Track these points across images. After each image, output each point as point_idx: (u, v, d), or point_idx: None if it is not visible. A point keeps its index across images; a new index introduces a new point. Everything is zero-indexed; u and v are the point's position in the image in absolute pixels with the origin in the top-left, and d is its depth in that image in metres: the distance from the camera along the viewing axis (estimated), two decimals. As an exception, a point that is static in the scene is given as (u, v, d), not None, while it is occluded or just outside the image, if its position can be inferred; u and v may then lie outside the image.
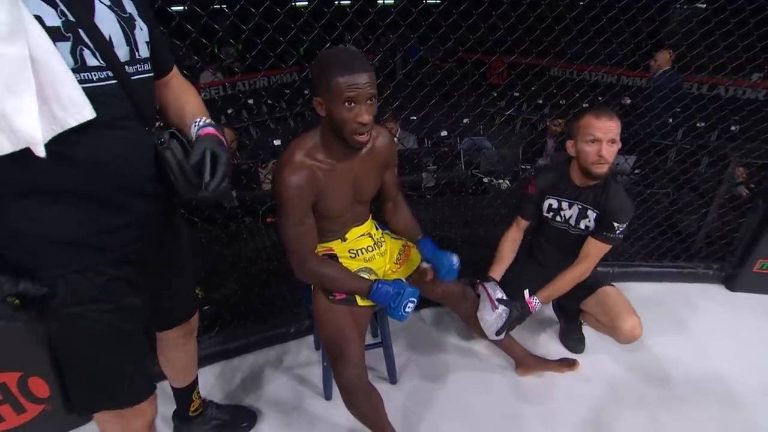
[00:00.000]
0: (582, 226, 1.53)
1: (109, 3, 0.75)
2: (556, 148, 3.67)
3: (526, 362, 1.69)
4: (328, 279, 1.23)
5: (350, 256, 1.32)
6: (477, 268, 1.71)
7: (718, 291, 2.26)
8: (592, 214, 1.50)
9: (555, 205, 1.56)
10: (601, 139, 1.36)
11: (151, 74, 0.85)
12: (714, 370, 1.73)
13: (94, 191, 0.77)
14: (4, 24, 0.59)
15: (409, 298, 1.21)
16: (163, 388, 1.33)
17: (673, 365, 1.76)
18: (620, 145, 1.40)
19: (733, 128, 3.46)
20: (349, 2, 1.76)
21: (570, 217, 1.54)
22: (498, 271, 1.64)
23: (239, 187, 2.65)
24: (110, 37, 0.74)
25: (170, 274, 1.04)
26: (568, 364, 1.69)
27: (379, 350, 1.63)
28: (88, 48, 0.71)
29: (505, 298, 1.51)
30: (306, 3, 1.57)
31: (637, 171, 3.25)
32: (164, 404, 1.27)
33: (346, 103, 1.00)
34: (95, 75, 0.72)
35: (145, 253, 0.89)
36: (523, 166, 3.45)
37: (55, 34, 0.66)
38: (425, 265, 1.39)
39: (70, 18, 0.68)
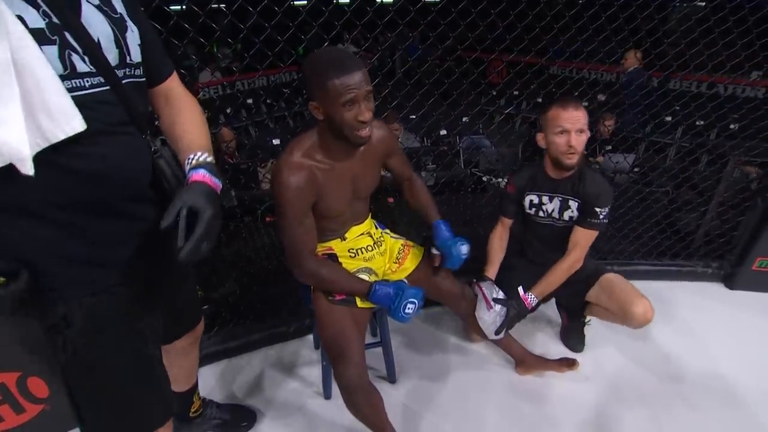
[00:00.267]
0: (566, 217, 1.54)
1: (97, 2, 0.70)
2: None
3: (526, 361, 1.69)
4: (326, 281, 1.23)
5: (350, 256, 1.32)
6: (476, 267, 1.71)
7: (717, 289, 2.26)
8: (573, 204, 1.51)
9: (536, 200, 1.56)
10: (570, 129, 1.38)
11: (143, 79, 0.80)
12: (713, 368, 1.73)
13: (91, 202, 0.72)
14: None
15: (409, 299, 1.20)
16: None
17: (673, 363, 1.76)
18: (589, 134, 1.42)
19: (732, 126, 3.46)
20: (347, 1, 1.76)
21: (553, 210, 1.55)
22: (492, 269, 1.65)
23: (238, 187, 2.65)
24: (98, 40, 0.68)
25: (176, 283, 1.01)
26: (568, 363, 1.69)
27: (379, 350, 1.63)
28: (77, 52, 0.65)
29: (501, 297, 1.51)
30: (305, 2, 1.57)
31: (636, 169, 3.25)
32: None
33: (345, 105, 0.99)
34: (87, 81, 0.67)
35: (152, 263, 0.86)
36: (523, 164, 3.44)
37: (39, 37, 0.61)
38: (434, 251, 1.40)
39: (54, 19, 0.63)
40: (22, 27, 0.57)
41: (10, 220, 0.68)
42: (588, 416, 1.55)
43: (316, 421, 1.55)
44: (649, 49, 2.07)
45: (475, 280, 1.61)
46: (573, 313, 1.80)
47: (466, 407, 1.60)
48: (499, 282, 1.60)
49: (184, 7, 1.44)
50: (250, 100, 5.83)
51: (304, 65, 1.04)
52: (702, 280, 2.29)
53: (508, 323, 1.49)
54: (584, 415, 1.55)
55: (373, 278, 1.34)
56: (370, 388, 1.23)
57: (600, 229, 1.49)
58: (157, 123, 0.92)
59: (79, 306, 0.74)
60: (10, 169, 0.60)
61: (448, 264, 1.35)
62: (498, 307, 1.48)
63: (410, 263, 1.44)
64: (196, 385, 1.38)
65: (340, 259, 1.31)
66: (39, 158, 0.62)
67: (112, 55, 0.71)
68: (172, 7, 1.36)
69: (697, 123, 3.41)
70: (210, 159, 0.81)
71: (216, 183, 0.79)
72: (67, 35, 0.64)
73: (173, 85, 0.90)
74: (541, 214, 1.57)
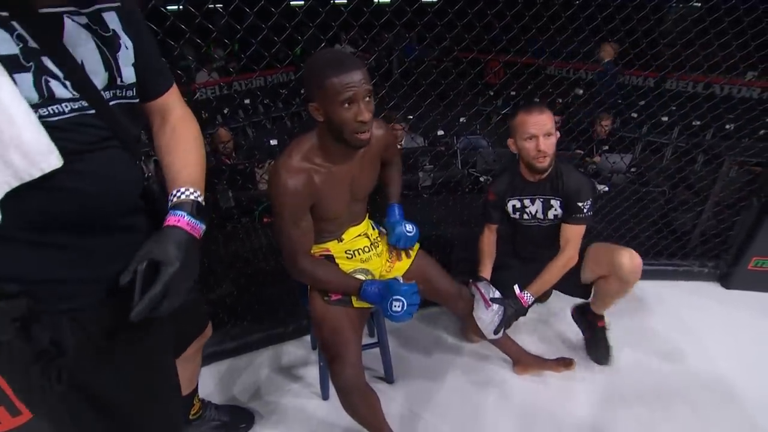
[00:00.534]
0: (551, 216, 1.55)
1: (85, 21, 0.63)
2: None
3: (524, 361, 1.70)
4: (321, 280, 1.23)
5: (347, 257, 1.32)
6: (474, 267, 1.71)
7: (713, 289, 2.27)
8: (556, 203, 1.52)
9: (518, 205, 1.58)
10: (537, 134, 1.40)
11: (135, 100, 0.74)
12: (710, 368, 1.74)
13: (79, 220, 0.67)
14: None
15: (394, 296, 1.16)
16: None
17: (670, 362, 1.77)
18: (558, 136, 1.44)
19: (728, 127, 3.48)
20: (344, 1, 1.76)
21: (536, 212, 1.56)
22: (487, 269, 1.66)
23: (235, 188, 2.64)
24: (83, 62, 0.63)
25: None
26: (565, 363, 1.69)
27: (376, 350, 1.63)
28: (56, 78, 0.60)
29: (498, 296, 1.52)
30: (302, 2, 1.56)
31: (633, 169, 3.26)
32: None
33: (345, 104, 0.99)
34: (66, 106, 0.62)
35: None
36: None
37: (11, 64, 0.56)
38: (382, 229, 1.43)
39: (31, 44, 0.57)
40: None
41: None
42: (586, 415, 1.56)
43: (314, 422, 1.55)
44: (645, 49, 2.07)
45: (471, 280, 1.62)
46: (570, 294, 1.75)
47: (464, 407, 1.60)
48: (494, 282, 1.60)
49: (180, 7, 1.44)
50: (247, 101, 5.82)
51: (304, 67, 1.04)
52: (698, 280, 2.30)
53: (506, 322, 1.49)
54: (582, 415, 1.56)
55: (369, 278, 1.34)
56: (367, 388, 1.23)
57: (587, 222, 1.51)
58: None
59: (71, 329, 0.68)
60: None
61: (391, 241, 1.37)
62: (496, 306, 1.49)
63: (404, 263, 1.44)
64: (196, 388, 1.37)
65: (336, 260, 1.31)
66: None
67: (99, 78, 0.65)
68: (168, 8, 1.36)
69: (694, 123, 3.43)
70: (195, 196, 0.74)
71: (195, 226, 0.72)
72: (45, 60, 0.59)
73: (171, 101, 0.83)
74: (525, 216, 1.59)
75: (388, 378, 1.69)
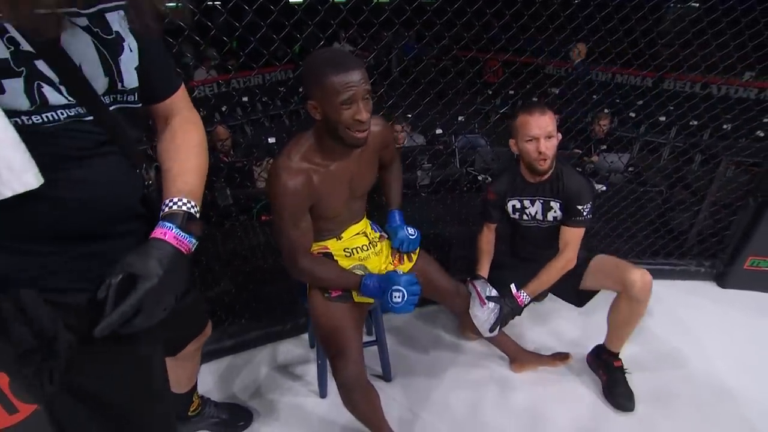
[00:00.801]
0: (550, 218, 1.55)
1: (85, 23, 0.59)
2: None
3: (521, 358, 1.71)
4: (321, 278, 1.23)
5: (345, 255, 1.32)
6: (471, 266, 1.72)
7: (709, 288, 2.28)
8: (556, 204, 1.52)
9: (518, 205, 1.58)
10: (538, 136, 1.39)
11: (138, 105, 0.71)
12: (706, 366, 1.75)
13: (75, 229, 0.65)
14: None
15: (394, 286, 1.17)
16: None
17: (666, 361, 1.78)
18: (560, 138, 1.43)
19: (725, 127, 3.50)
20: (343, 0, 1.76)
21: (536, 213, 1.56)
22: (484, 267, 1.66)
23: (233, 185, 2.64)
24: (81, 66, 0.59)
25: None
26: (561, 358, 1.70)
27: (374, 348, 1.64)
28: (50, 83, 0.57)
29: (494, 294, 1.53)
30: (300, 0, 1.56)
31: (630, 169, 3.28)
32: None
33: (343, 103, 0.99)
34: (62, 113, 0.59)
35: None
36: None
37: (0, 70, 0.53)
38: (382, 233, 1.43)
39: (24, 47, 0.54)
40: None
41: None
42: (583, 412, 1.57)
43: (312, 420, 1.55)
44: (643, 49, 2.08)
45: (469, 278, 1.62)
46: (580, 303, 1.72)
47: (462, 405, 1.60)
48: (492, 280, 1.61)
49: (179, 4, 1.43)
50: (245, 98, 5.81)
51: (304, 65, 1.04)
52: (695, 279, 2.31)
53: (501, 321, 1.50)
54: (579, 412, 1.57)
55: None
56: (368, 385, 1.23)
57: (586, 225, 1.51)
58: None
59: (65, 330, 0.65)
60: None
61: (395, 244, 1.38)
62: (492, 304, 1.49)
63: (407, 264, 1.44)
64: (195, 385, 1.37)
65: (335, 258, 1.31)
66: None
67: (99, 83, 0.62)
68: (167, 5, 1.35)
69: (691, 123, 3.44)
70: (188, 207, 0.71)
71: (182, 240, 0.68)
72: (40, 64, 0.56)
73: (176, 103, 0.80)
74: (525, 217, 1.59)
75: (386, 376, 1.69)
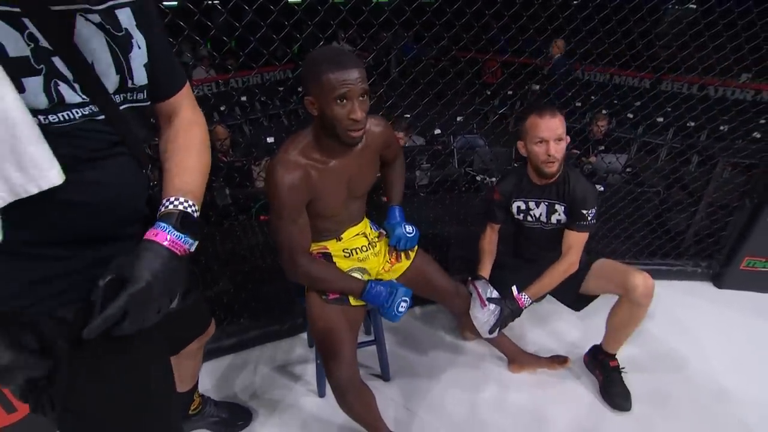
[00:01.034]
0: (554, 220, 1.56)
1: (98, 20, 0.59)
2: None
3: (519, 359, 1.71)
4: (320, 280, 1.23)
5: (344, 256, 1.32)
6: (471, 266, 1.72)
7: (706, 288, 2.29)
8: (560, 208, 1.53)
9: (523, 206, 1.58)
10: (548, 138, 1.40)
11: (146, 103, 0.70)
12: (702, 366, 1.76)
13: (83, 233, 0.64)
14: None
15: (402, 297, 1.21)
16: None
17: (663, 361, 1.79)
18: (568, 140, 1.44)
19: (722, 128, 3.52)
20: (342, 0, 1.76)
21: (540, 215, 1.57)
22: (486, 268, 1.66)
23: (232, 185, 2.64)
24: (93, 64, 0.59)
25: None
26: (560, 360, 1.71)
27: (373, 348, 1.64)
28: (66, 80, 0.56)
29: (495, 296, 1.53)
30: (299, 0, 1.57)
31: (628, 170, 3.29)
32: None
33: (338, 100, 0.99)
34: (77, 112, 0.58)
35: None
36: (516, 165, 3.47)
37: (21, 68, 0.52)
38: (381, 230, 1.44)
39: (42, 43, 0.53)
40: None
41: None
42: (581, 412, 1.57)
43: (310, 419, 1.56)
44: (641, 50, 2.09)
45: (470, 278, 1.62)
46: (577, 308, 1.72)
47: (460, 405, 1.61)
48: (493, 280, 1.61)
49: (177, 2, 1.43)
50: (244, 98, 5.80)
51: (304, 60, 1.05)
52: (692, 279, 2.32)
53: (501, 322, 1.50)
54: (576, 412, 1.58)
55: (366, 277, 1.34)
56: (362, 386, 1.24)
57: (590, 230, 1.51)
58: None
59: (61, 342, 0.64)
60: None
61: (392, 241, 1.38)
62: (492, 306, 1.50)
63: (404, 262, 1.44)
64: (196, 384, 1.37)
65: (334, 259, 1.31)
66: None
67: (110, 81, 0.61)
68: (166, 3, 1.35)
69: (688, 124, 3.46)
70: (184, 206, 0.69)
71: (177, 241, 0.65)
72: (56, 61, 0.55)
73: (180, 101, 0.79)
74: (529, 218, 1.59)
75: (385, 375, 1.70)
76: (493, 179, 3.09)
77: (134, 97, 0.66)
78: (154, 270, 0.62)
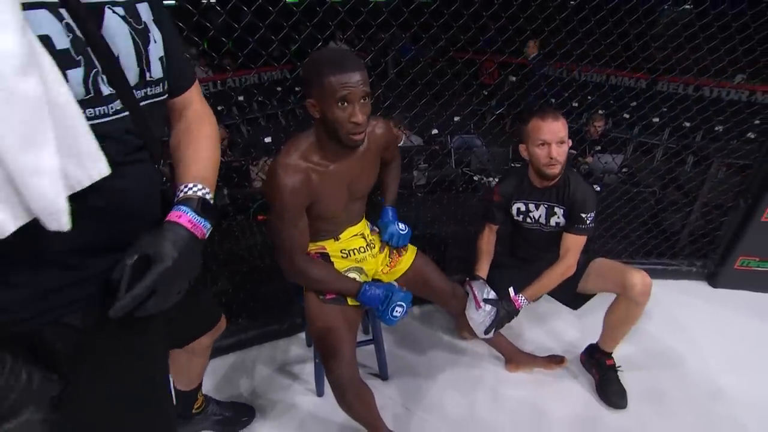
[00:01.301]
0: (553, 223, 1.56)
1: (123, 12, 0.59)
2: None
3: (516, 359, 1.72)
4: (317, 280, 1.23)
5: (342, 256, 1.33)
6: (468, 266, 1.73)
7: (701, 287, 2.31)
8: (559, 210, 1.53)
9: (522, 208, 1.59)
10: (550, 141, 1.40)
11: (164, 97, 0.70)
12: (698, 364, 1.77)
13: (103, 240, 0.63)
14: (15, 55, 0.42)
15: (397, 302, 1.21)
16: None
17: (659, 360, 1.80)
18: (570, 143, 1.44)
19: (717, 128, 3.54)
20: (340, 0, 1.77)
21: (539, 217, 1.58)
22: (483, 268, 1.66)
23: (230, 185, 2.64)
24: (118, 57, 0.59)
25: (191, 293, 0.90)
26: (557, 360, 1.72)
27: (371, 347, 1.65)
28: (98, 72, 0.56)
29: (491, 297, 1.53)
30: (297, 0, 1.57)
31: (624, 170, 3.31)
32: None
33: (339, 103, 0.99)
34: (111, 107, 0.58)
35: None
36: (513, 165, 3.49)
37: (65, 60, 0.52)
38: (375, 228, 1.45)
39: (78, 33, 0.53)
40: (48, 56, 0.47)
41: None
42: (577, 411, 1.58)
43: (309, 419, 1.56)
44: (637, 52, 2.11)
45: (467, 279, 1.63)
46: (575, 306, 1.74)
47: (458, 404, 1.62)
48: (491, 280, 1.62)
49: (176, 2, 1.43)
50: (241, 98, 5.79)
51: (305, 62, 1.04)
52: (686, 279, 2.34)
53: (497, 323, 1.50)
54: (573, 411, 1.59)
55: (363, 278, 1.35)
56: (362, 385, 1.24)
57: (588, 234, 1.51)
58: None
59: (67, 349, 0.63)
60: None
61: (384, 237, 1.39)
62: (488, 307, 1.50)
63: (404, 264, 1.45)
64: (201, 383, 1.38)
65: (331, 259, 1.32)
66: None
67: (132, 74, 0.61)
68: (165, 3, 1.36)
69: (684, 125, 3.49)
70: (203, 192, 0.70)
71: (197, 224, 0.66)
72: (91, 52, 0.55)
73: (191, 97, 0.80)
74: (528, 220, 1.60)
75: (383, 375, 1.71)
76: (491, 179, 3.10)
77: (152, 92, 0.66)
78: (179, 250, 0.63)
